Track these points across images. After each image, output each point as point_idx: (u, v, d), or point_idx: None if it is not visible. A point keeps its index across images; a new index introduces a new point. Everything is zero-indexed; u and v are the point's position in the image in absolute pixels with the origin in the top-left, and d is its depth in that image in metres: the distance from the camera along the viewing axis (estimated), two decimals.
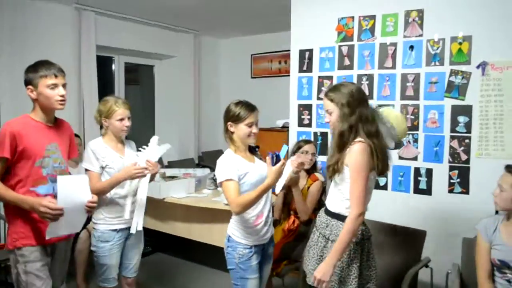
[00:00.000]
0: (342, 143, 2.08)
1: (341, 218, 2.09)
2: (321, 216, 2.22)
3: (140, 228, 2.64)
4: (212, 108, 6.51)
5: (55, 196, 2.06)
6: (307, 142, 3.23)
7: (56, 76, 2.17)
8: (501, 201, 2.17)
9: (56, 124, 2.32)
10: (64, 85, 2.21)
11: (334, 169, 2.09)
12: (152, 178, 2.77)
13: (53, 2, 4.47)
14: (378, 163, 2.05)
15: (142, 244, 2.90)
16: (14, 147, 2.08)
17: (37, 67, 2.17)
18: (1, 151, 2.06)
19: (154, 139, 2.70)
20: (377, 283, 2.16)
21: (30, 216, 2.13)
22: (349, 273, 2.06)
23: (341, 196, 2.10)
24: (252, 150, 2.49)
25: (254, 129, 2.35)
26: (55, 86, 2.16)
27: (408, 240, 2.73)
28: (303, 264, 2.33)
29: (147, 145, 2.69)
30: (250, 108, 2.34)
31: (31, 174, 2.13)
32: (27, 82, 2.17)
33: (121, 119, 2.67)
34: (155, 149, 2.66)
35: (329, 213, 2.17)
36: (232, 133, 2.36)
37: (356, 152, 2.01)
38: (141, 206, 2.65)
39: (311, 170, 3.18)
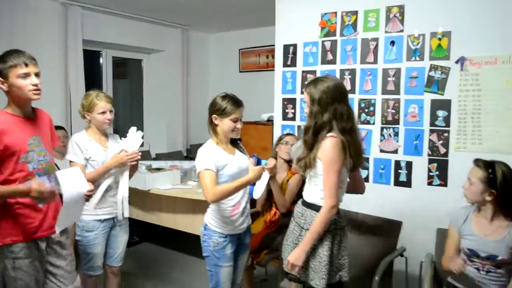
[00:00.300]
0: (311, 140, 2.13)
1: (315, 208, 2.15)
2: (298, 206, 2.29)
3: (126, 215, 2.70)
4: (201, 102, 6.52)
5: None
6: (289, 134, 3.29)
7: (26, 65, 2.05)
8: (470, 194, 2.24)
9: (35, 115, 2.23)
10: (37, 74, 2.10)
11: (306, 164, 2.14)
12: (135, 169, 2.84)
13: None
14: (350, 159, 2.11)
15: (127, 234, 2.96)
16: None
17: (5, 57, 2.05)
18: None
19: (132, 130, 2.76)
20: (350, 271, 2.21)
21: (19, 212, 2.10)
22: (320, 261, 2.11)
23: (316, 188, 2.16)
24: (234, 142, 2.54)
25: (239, 125, 2.41)
26: (26, 75, 2.05)
27: (384, 231, 2.81)
28: (281, 253, 2.39)
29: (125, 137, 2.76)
30: (237, 103, 2.40)
31: (17, 171, 2.07)
32: None
33: (103, 112, 2.71)
34: (132, 140, 2.71)
35: (305, 203, 2.23)
36: (216, 125, 2.42)
37: (328, 147, 2.05)
38: (125, 197, 2.73)
39: (292, 162, 3.22)
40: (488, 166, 2.22)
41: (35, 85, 2.07)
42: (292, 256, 2.11)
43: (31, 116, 2.19)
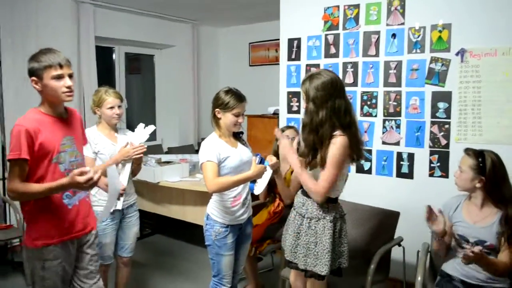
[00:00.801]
0: (310, 137, 2.17)
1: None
2: (299, 196, 2.36)
3: (119, 207, 2.76)
4: (212, 96, 6.56)
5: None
6: (290, 127, 3.34)
7: (61, 66, 2.00)
8: (461, 182, 2.30)
9: (67, 115, 2.18)
10: (70, 75, 2.05)
11: (316, 164, 2.19)
12: (139, 163, 2.94)
13: None
14: (354, 153, 2.18)
15: (137, 226, 3.07)
16: (31, 147, 1.94)
17: (40, 57, 2.00)
18: (19, 152, 1.92)
19: (140, 126, 2.85)
20: (349, 259, 2.29)
21: (52, 213, 2.07)
22: (323, 248, 2.18)
23: (316, 178, 2.23)
24: (236, 135, 2.63)
25: (240, 119, 2.51)
26: (60, 77, 2.00)
27: (383, 221, 2.85)
28: (282, 242, 2.48)
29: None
30: (239, 98, 2.48)
31: (49, 172, 2.02)
32: (31, 73, 2.02)
33: (111, 107, 2.84)
34: (140, 134, 2.80)
35: (305, 193, 2.30)
36: (219, 119, 2.51)
37: (337, 145, 2.10)
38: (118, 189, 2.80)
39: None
40: (478, 154, 2.26)
41: (69, 87, 2.03)
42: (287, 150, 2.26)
43: (63, 116, 2.15)
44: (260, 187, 2.52)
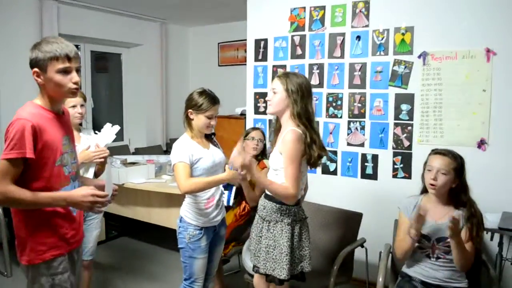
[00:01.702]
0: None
1: (275, 200, 2.21)
2: (261, 200, 2.35)
3: None
4: (180, 96, 6.50)
5: None
6: (255, 129, 3.34)
7: (69, 59, 1.74)
8: (444, 185, 2.28)
9: (62, 112, 1.94)
10: (77, 69, 1.79)
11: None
12: (103, 165, 2.86)
13: None
14: (310, 152, 2.15)
15: (98, 229, 3.00)
16: (35, 145, 1.69)
17: (44, 46, 1.73)
18: (23, 150, 1.65)
19: (107, 126, 2.77)
20: (312, 262, 2.28)
21: (56, 223, 1.83)
22: (281, 252, 2.17)
23: (278, 180, 2.21)
24: (208, 136, 2.60)
25: (213, 121, 2.48)
26: (67, 70, 1.74)
27: (345, 222, 2.87)
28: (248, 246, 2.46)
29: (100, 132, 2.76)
30: (213, 101, 2.46)
31: (54, 175, 1.77)
32: (33, 64, 1.76)
33: (73, 106, 2.75)
34: (105, 134, 2.72)
35: (266, 196, 2.29)
36: (191, 120, 2.48)
37: (290, 140, 2.11)
38: None
39: (260, 156, 3.28)
40: (455, 156, 2.31)
41: (76, 82, 1.77)
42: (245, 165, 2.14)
43: (60, 112, 1.89)
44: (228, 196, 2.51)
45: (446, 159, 2.29)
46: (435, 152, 2.37)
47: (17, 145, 1.64)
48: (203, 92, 2.48)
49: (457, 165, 2.28)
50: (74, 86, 1.77)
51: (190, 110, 2.47)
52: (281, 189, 2.14)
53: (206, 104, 2.42)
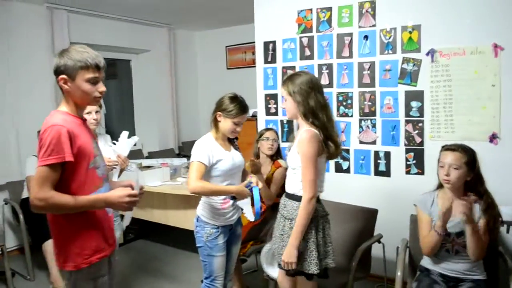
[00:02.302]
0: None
1: (295, 198, 2.26)
2: (282, 199, 2.40)
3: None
4: (190, 99, 6.71)
5: None
6: (269, 129, 3.37)
7: (98, 69, 1.79)
8: (457, 179, 2.30)
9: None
10: (103, 79, 1.85)
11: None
12: (121, 173, 2.94)
13: (25, 2, 4.55)
14: (327, 149, 2.21)
15: (120, 231, 3.08)
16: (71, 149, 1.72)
17: (75, 54, 1.76)
18: (62, 155, 1.68)
19: (124, 134, 2.83)
20: (334, 258, 2.31)
21: (100, 223, 1.87)
22: (307, 249, 2.22)
23: (296, 178, 2.27)
24: (230, 139, 2.66)
25: (239, 128, 2.53)
26: (96, 80, 1.79)
27: (361, 219, 2.92)
28: (271, 244, 2.51)
29: (117, 140, 2.82)
30: (243, 109, 2.50)
31: (88, 178, 1.80)
32: (61, 71, 1.77)
33: (89, 113, 2.82)
34: (124, 144, 2.79)
35: (287, 194, 2.34)
36: (219, 121, 2.53)
37: (305, 140, 2.16)
38: None
39: (275, 156, 3.33)
40: (465, 149, 2.34)
41: (101, 92, 1.83)
42: (285, 255, 2.21)
43: (83, 119, 1.94)
44: (248, 212, 2.56)
45: (457, 154, 2.32)
46: (445, 148, 2.41)
47: (55, 150, 1.66)
48: (235, 99, 2.51)
49: (468, 158, 2.31)
50: (99, 95, 1.83)
51: (219, 113, 2.51)
52: (302, 209, 2.17)
53: (236, 111, 2.46)
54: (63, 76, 1.76)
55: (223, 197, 2.53)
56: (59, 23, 4.78)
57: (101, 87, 1.81)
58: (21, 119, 4.49)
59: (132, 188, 1.88)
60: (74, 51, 1.77)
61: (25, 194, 4.06)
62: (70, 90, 1.79)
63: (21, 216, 3.85)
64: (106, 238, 1.89)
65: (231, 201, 2.53)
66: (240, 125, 2.52)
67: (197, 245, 2.59)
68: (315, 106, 2.21)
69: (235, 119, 2.48)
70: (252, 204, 2.53)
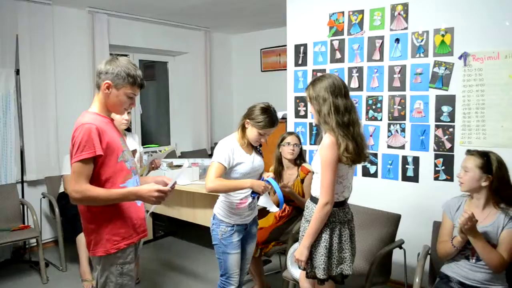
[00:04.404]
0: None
1: (316, 200, 2.25)
2: (307, 201, 2.40)
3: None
4: (224, 101, 6.81)
5: None
6: (290, 134, 3.37)
7: (140, 88, 1.99)
8: (467, 182, 2.31)
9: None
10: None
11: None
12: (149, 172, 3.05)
13: (67, 7, 4.77)
14: (348, 154, 2.10)
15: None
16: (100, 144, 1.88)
17: (130, 69, 1.94)
18: (93, 150, 1.84)
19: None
20: (352, 264, 2.25)
21: (129, 211, 2.00)
22: (318, 253, 2.21)
23: (319, 182, 2.25)
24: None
25: (263, 139, 2.56)
26: (133, 96, 1.99)
27: (384, 223, 2.88)
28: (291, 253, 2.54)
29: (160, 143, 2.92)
30: (272, 124, 2.50)
31: (117, 170, 1.95)
32: (108, 77, 1.92)
33: None
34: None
35: (311, 197, 2.34)
36: (246, 127, 2.56)
37: (325, 145, 2.13)
38: None
39: (299, 160, 3.32)
40: (482, 154, 2.31)
41: (131, 106, 2.05)
42: (297, 252, 2.25)
43: (110, 118, 2.10)
44: (271, 206, 2.60)
45: (471, 157, 2.33)
46: (465, 153, 2.42)
47: (86, 146, 1.83)
48: (267, 111, 2.50)
49: (482, 162, 2.27)
50: (129, 108, 2.06)
51: (247, 120, 2.53)
52: (316, 212, 2.16)
53: (264, 123, 2.47)
54: (110, 81, 1.92)
55: (241, 196, 2.56)
56: (99, 27, 4.97)
57: (135, 104, 2.05)
58: (61, 118, 4.70)
59: (164, 185, 1.98)
60: (128, 65, 1.94)
61: (61, 189, 4.25)
62: (109, 96, 1.95)
63: (57, 210, 4.03)
64: (135, 226, 2.02)
65: (250, 199, 2.56)
66: (265, 136, 2.54)
67: (213, 242, 2.65)
68: (331, 112, 2.13)
69: (262, 130, 2.49)
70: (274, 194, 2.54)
